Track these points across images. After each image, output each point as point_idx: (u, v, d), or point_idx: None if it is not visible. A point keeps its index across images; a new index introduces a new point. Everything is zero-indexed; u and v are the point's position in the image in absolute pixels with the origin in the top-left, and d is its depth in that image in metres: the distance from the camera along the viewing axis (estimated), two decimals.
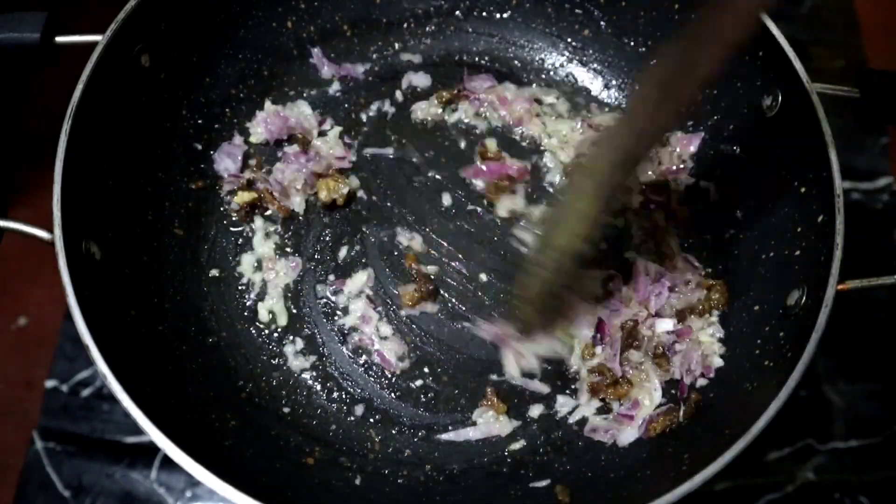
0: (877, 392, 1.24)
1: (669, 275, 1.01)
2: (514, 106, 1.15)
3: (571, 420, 0.97)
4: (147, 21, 0.97)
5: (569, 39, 1.20)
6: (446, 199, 1.10)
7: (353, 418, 0.98)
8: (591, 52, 1.19)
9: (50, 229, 0.83)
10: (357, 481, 0.92)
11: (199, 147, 1.10)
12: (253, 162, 1.11)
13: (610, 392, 0.96)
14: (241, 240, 1.07)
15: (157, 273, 1.00)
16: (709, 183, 1.09)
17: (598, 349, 0.98)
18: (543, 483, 0.92)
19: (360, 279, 1.05)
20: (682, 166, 1.10)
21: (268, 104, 1.13)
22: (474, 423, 0.97)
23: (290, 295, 1.04)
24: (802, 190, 0.93)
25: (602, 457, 0.94)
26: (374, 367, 1.01)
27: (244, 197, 1.06)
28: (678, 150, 1.10)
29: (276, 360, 1.01)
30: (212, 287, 1.04)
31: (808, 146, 0.91)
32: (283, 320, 1.03)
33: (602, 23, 1.17)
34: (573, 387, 0.99)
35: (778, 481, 1.17)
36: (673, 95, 0.78)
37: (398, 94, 1.18)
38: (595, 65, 1.19)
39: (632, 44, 1.16)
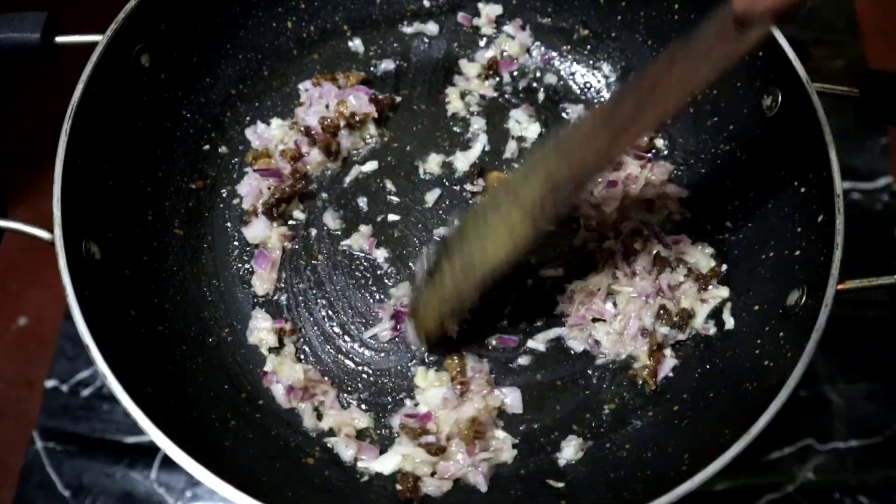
0: (877, 392, 1.24)
1: None
2: None
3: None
4: (147, 21, 0.97)
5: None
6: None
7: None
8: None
9: (50, 229, 0.83)
10: (357, 481, 0.92)
11: (200, 147, 1.10)
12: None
13: None
14: (241, 240, 1.07)
15: (157, 273, 1.00)
16: (708, 183, 1.09)
17: None
18: (543, 482, 0.92)
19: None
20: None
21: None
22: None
23: (290, 296, 1.05)
24: (802, 190, 0.93)
25: (602, 457, 0.94)
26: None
27: None
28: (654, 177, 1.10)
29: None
30: (212, 287, 1.04)
31: (808, 146, 0.91)
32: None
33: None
34: None
35: (778, 481, 1.17)
36: (620, 129, 0.79)
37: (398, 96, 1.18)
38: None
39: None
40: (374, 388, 0.99)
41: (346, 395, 0.99)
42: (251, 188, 1.08)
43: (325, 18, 1.19)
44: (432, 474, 0.91)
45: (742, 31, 0.75)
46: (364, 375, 1.00)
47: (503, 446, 0.94)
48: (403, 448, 0.93)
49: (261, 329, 1.01)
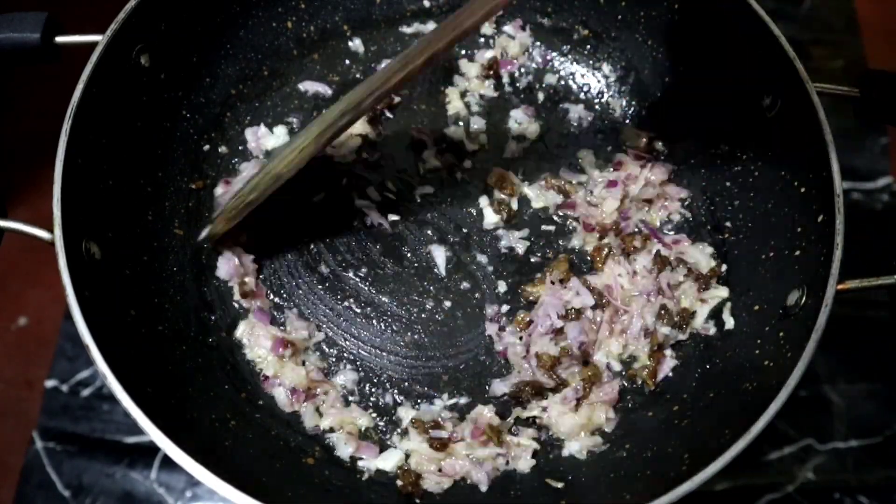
0: (877, 392, 1.24)
1: None
2: None
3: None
4: (147, 21, 0.97)
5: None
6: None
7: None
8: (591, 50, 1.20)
9: (50, 229, 0.83)
10: (357, 480, 0.92)
11: (200, 147, 1.10)
12: None
13: None
14: None
15: (157, 273, 0.99)
16: (708, 183, 1.09)
17: None
18: (543, 482, 0.92)
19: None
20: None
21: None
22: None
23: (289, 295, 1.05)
24: (802, 190, 0.93)
25: (602, 456, 0.94)
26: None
27: None
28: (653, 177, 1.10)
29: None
30: (212, 287, 1.04)
31: (808, 146, 0.91)
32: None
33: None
34: None
35: (778, 481, 1.17)
36: (408, 67, 0.87)
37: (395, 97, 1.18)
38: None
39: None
40: (374, 388, 0.99)
41: (345, 394, 0.99)
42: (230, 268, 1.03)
43: (325, 18, 1.19)
44: (438, 471, 0.91)
45: None
46: (363, 375, 1.00)
47: (522, 454, 0.94)
48: (410, 443, 0.93)
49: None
